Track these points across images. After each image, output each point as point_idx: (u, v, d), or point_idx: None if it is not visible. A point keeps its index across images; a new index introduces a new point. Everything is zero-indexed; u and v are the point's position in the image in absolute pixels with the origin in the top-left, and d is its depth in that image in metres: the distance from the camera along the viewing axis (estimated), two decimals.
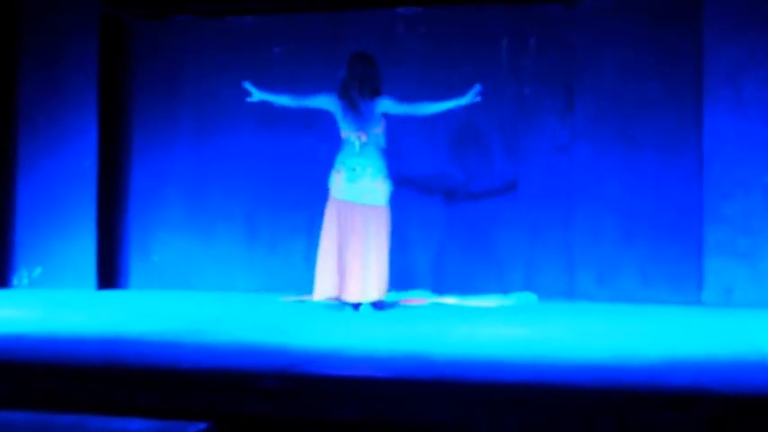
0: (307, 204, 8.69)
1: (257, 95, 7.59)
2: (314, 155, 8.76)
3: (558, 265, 8.56)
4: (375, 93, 7.38)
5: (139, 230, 9.50)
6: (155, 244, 9.46)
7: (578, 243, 8.53)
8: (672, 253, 8.33)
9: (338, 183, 7.38)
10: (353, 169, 7.34)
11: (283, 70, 9.15)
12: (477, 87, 7.30)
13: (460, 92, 8.73)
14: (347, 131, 7.40)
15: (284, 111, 9.09)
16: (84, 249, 9.24)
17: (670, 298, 8.25)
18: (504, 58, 8.67)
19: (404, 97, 8.77)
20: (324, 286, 7.36)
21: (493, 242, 8.54)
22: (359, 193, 7.34)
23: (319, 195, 7.80)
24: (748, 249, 8.03)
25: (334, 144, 8.48)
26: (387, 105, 7.38)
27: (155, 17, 9.52)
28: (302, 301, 8.09)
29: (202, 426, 3.43)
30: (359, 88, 7.35)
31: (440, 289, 8.62)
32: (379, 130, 7.41)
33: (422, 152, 8.80)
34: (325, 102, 7.48)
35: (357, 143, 7.38)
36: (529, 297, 8.27)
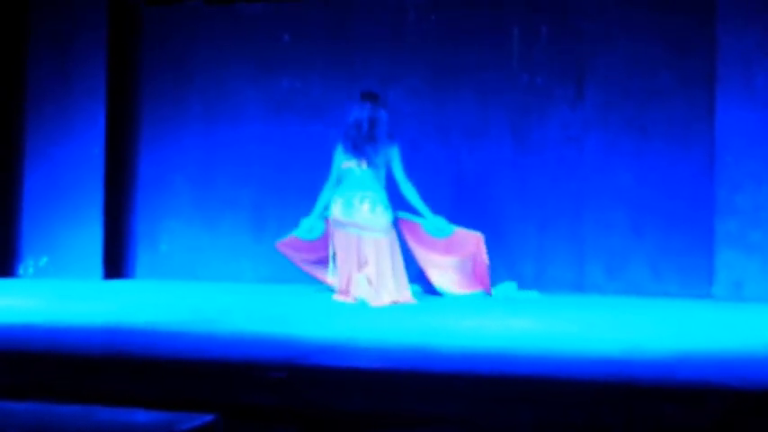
0: (315, 194, 8.66)
1: (312, 223, 7.70)
2: (322, 143, 8.73)
3: (568, 256, 8.54)
4: (387, 136, 7.46)
5: (147, 220, 9.49)
6: (162, 233, 9.45)
7: (588, 235, 8.51)
8: (682, 246, 8.30)
9: (336, 215, 7.42)
10: (350, 202, 7.33)
11: (293, 57, 9.14)
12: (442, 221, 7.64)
13: (468, 80, 8.75)
14: (347, 162, 7.42)
15: (293, 99, 9.09)
16: (90, 238, 9.23)
17: (680, 291, 8.22)
18: (514, 46, 8.64)
19: (413, 88, 8.76)
20: (342, 290, 7.46)
21: (502, 233, 8.51)
22: (358, 228, 7.36)
23: None
24: (760, 242, 7.99)
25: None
26: (393, 156, 7.46)
27: (164, 3, 9.50)
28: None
29: (209, 417, 3.42)
30: (367, 132, 7.39)
31: None
32: (382, 166, 7.45)
33: (432, 141, 8.78)
34: (338, 158, 7.52)
35: (356, 170, 7.38)
36: (509, 286, 8.19)
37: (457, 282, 7.83)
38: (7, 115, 9.43)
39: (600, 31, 8.49)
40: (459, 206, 8.66)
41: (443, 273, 7.83)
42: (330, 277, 7.77)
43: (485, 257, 7.73)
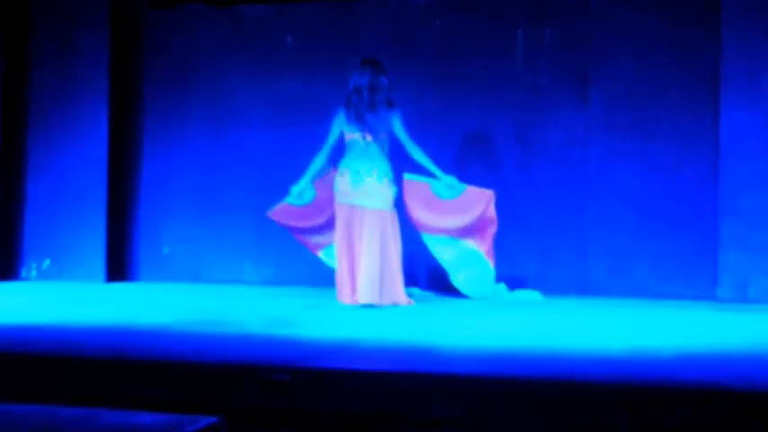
0: None
1: (302, 188, 7.66)
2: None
3: (572, 258, 8.55)
4: (388, 103, 7.42)
5: (150, 222, 9.51)
6: (165, 236, 9.46)
7: (592, 236, 8.52)
8: (686, 247, 8.32)
9: (343, 187, 7.40)
10: (358, 172, 7.33)
11: (296, 60, 9.15)
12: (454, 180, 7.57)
13: (472, 83, 8.76)
14: (351, 134, 7.40)
15: (296, 102, 9.09)
16: (93, 241, 9.26)
17: (684, 293, 8.23)
18: (519, 49, 8.66)
19: (418, 90, 8.74)
20: (343, 292, 7.46)
21: (507, 235, 8.51)
22: (363, 196, 7.35)
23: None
24: (764, 244, 8.01)
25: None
26: (394, 122, 7.41)
27: (166, 6, 9.52)
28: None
29: (213, 419, 3.42)
30: (368, 98, 7.36)
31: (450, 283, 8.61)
32: (384, 136, 7.43)
33: (437, 143, 8.78)
34: (338, 125, 7.48)
35: (361, 143, 7.38)
36: (499, 288, 8.08)
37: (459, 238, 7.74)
38: (10, 119, 9.46)
39: (604, 34, 8.50)
40: None
41: (445, 239, 7.75)
42: (322, 255, 7.84)
43: (493, 216, 7.61)
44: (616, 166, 8.46)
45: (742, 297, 7.98)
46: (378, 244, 7.33)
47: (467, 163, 8.74)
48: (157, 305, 7.37)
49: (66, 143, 9.36)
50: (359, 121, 7.36)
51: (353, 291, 7.39)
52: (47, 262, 9.43)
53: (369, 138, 7.37)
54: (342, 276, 7.46)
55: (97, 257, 9.25)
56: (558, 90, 8.60)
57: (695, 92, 8.30)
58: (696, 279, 8.27)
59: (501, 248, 8.31)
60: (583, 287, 8.48)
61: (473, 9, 8.77)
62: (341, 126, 7.46)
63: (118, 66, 9.39)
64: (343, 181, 7.39)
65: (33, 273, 9.46)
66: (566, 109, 8.56)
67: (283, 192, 8.95)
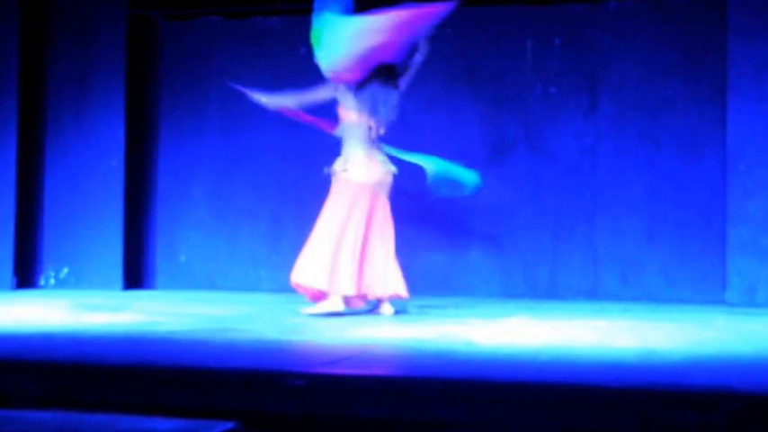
0: None
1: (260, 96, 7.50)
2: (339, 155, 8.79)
3: (583, 264, 8.57)
4: (396, 82, 7.27)
5: (166, 231, 9.55)
6: (181, 244, 9.51)
7: (602, 243, 8.54)
8: (695, 253, 8.34)
9: (354, 170, 7.21)
10: (368, 156, 7.23)
11: (309, 70, 9.18)
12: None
13: (484, 92, 8.78)
14: (364, 117, 7.23)
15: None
16: (110, 250, 9.29)
17: (693, 297, 8.25)
18: (528, 58, 8.69)
19: (430, 99, 8.76)
20: (308, 270, 7.17)
21: (517, 241, 8.55)
22: (376, 180, 7.21)
23: None
24: None
25: None
26: (406, 73, 7.26)
27: (182, 18, 9.57)
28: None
29: (229, 425, 3.45)
30: (386, 79, 7.22)
31: (462, 289, 8.64)
32: (390, 119, 7.28)
33: (449, 150, 8.79)
34: (329, 92, 7.37)
35: (364, 126, 7.22)
36: None
37: None
38: (28, 128, 9.50)
39: (612, 41, 8.53)
40: (474, 213, 8.70)
41: None
42: None
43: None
44: (625, 172, 8.48)
45: (750, 301, 7.99)
46: (388, 233, 7.22)
47: (478, 170, 8.76)
48: (174, 313, 7.35)
49: (83, 152, 9.41)
50: (375, 102, 7.18)
51: (327, 275, 7.12)
52: (65, 270, 9.48)
53: (382, 131, 7.23)
54: (319, 255, 7.17)
55: (114, 266, 9.29)
56: (567, 98, 8.62)
57: (703, 99, 8.32)
58: (705, 284, 8.29)
59: (512, 255, 8.36)
60: (593, 292, 8.51)
61: (484, 19, 8.80)
62: (334, 93, 7.32)
63: (134, 76, 9.45)
64: (353, 168, 7.24)
65: (51, 281, 9.51)
66: (575, 116, 8.59)
67: (295, 198, 9.00)
